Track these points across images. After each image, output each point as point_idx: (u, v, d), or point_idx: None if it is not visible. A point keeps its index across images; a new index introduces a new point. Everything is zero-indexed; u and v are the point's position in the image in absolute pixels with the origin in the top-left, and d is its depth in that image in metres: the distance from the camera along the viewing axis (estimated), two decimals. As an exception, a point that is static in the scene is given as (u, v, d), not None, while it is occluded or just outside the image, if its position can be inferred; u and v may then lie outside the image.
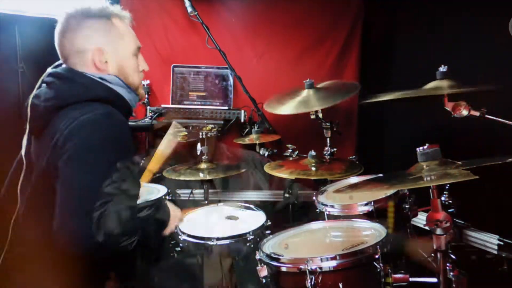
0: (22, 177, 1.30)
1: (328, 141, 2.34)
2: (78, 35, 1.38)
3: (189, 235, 1.80)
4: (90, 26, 1.39)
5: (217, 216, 2.05)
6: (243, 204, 2.15)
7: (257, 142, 2.46)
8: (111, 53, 1.41)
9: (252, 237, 1.79)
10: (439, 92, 1.52)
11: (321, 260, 1.40)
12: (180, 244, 1.81)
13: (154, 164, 1.70)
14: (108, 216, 1.18)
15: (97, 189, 1.19)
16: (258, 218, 1.94)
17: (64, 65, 1.41)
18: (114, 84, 1.40)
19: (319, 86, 2.34)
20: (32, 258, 1.30)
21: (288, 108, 2.31)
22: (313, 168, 2.20)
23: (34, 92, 1.36)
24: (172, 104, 2.84)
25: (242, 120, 2.75)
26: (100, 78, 1.38)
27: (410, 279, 1.45)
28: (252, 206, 2.11)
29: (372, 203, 1.80)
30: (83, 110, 1.26)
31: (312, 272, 1.38)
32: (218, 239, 1.76)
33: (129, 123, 2.68)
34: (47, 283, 1.28)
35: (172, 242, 1.85)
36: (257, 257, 1.52)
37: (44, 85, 1.36)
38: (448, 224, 1.34)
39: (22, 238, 1.32)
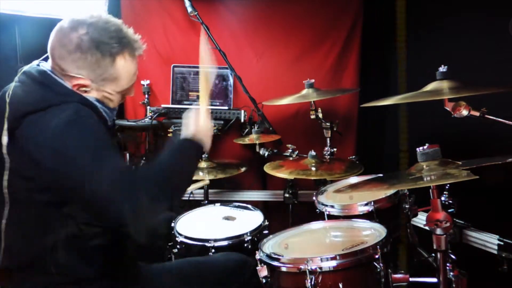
0: (7, 175, 1.24)
1: (328, 141, 2.34)
2: (70, 59, 1.28)
3: (186, 237, 1.80)
4: (87, 61, 1.27)
5: (214, 216, 2.05)
6: (240, 204, 2.15)
7: (257, 142, 2.46)
8: (95, 88, 1.33)
9: (249, 237, 1.79)
10: (439, 97, 1.52)
11: (321, 260, 1.40)
12: (178, 246, 1.81)
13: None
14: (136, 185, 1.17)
15: (105, 166, 1.17)
16: (255, 219, 1.94)
17: (41, 67, 1.33)
18: (92, 99, 1.34)
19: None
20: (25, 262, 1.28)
21: (286, 100, 2.34)
22: (313, 168, 2.20)
23: (6, 89, 1.28)
24: (172, 104, 2.84)
25: (242, 120, 2.75)
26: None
27: (410, 279, 1.45)
28: (249, 206, 2.11)
29: (372, 203, 1.80)
30: (55, 113, 1.21)
31: (312, 272, 1.38)
32: (215, 240, 1.76)
33: (130, 123, 2.71)
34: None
35: (170, 244, 1.85)
36: (257, 257, 1.52)
37: (17, 84, 1.28)
38: (448, 224, 1.34)
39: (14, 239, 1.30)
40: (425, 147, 1.40)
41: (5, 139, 1.23)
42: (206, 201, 2.53)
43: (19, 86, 1.27)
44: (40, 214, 1.25)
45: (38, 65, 1.34)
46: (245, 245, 1.77)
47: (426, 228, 1.38)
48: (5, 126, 1.22)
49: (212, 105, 2.83)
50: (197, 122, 1.43)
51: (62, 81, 1.30)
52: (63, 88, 1.29)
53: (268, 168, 2.28)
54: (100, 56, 1.28)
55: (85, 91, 1.32)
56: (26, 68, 1.32)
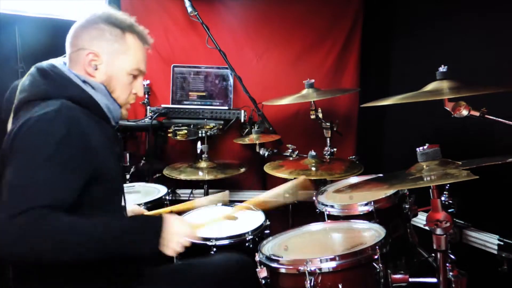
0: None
1: (328, 141, 2.34)
2: (85, 34, 1.37)
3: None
4: (99, 29, 1.37)
5: (216, 216, 2.05)
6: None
7: (257, 142, 2.46)
8: (105, 62, 1.37)
9: (251, 237, 1.78)
10: (439, 97, 1.51)
11: (321, 261, 1.40)
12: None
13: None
14: (31, 225, 1.05)
15: (28, 190, 1.09)
16: (257, 218, 1.94)
17: (52, 61, 1.39)
18: (96, 90, 1.35)
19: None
20: None
21: (286, 100, 2.33)
22: (313, 168, 2.20)
23: (18, 81, 1.35)
24: (172, 104, 2.84)
25: (242, 120, 2.75)
26: (84, 81, 1.34)
27: (410, 279, 1.45)
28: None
29: (372, 203, 1.80)
30: (41, 107, 1.23)
31: (312, 273, 1.38)
32: (217, 239, 1.75)
33: (129, 123, 2.70)
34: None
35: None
36: (257, 258, 1.52)
37: (27, 76, 1.35)
38: (448, 224, 1.34)
39: None
40: (425, 147, 1.40)
41: (9, 126, 1.29)
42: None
43: (27, 78, 1.34)
44: None
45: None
46: (247, 244, 1.77)
47: (426, 228, 1.38)
48: (12, 114, 1.29)
49: (212, 105, 2.83)
50: (178, 228, 1.29)
51: (69, 71, 1.34)
52: (65, 80, 1.32)
53: (268, 168, 2.28)
54: (111, 26, 1.37)
55: (96, 68, 1.36)
56: (38, 63, 1.37)
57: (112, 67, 1.39)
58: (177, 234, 1.27)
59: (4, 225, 1.06)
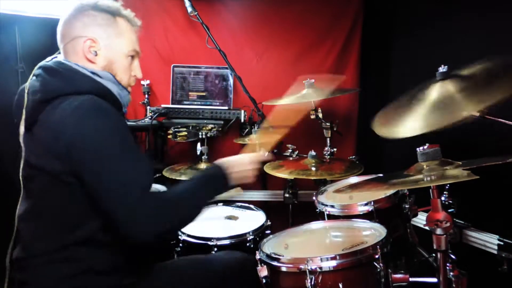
0: (22, 164, 1.30)
1: (328, 141, 2.34)
2: (77, 22, 1.38)
3: (189, 235, 1.81)
4: (91, 16, 1.39)
5: (217, 216, 2.06)
6: (242, 204, 2.16)
7: (257, 142, 2.46)
8: (103, 47, 1.40)
9: (252, 237, 1.79)
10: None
11: (321, 260, 1.40)
12: (180, 244, 1.81)
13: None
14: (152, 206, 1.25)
15: (132, 175, 1.23)
16: (258, 218, 1.95)
17: (56, 59, 1.41)
18: (105, 79, 1.38)
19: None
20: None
21: (286, 100, 2.33)
22: (313, 168, 2.20)
23: (25, 84, 1.37)
24: (172, 104, 2.84)
25: (242, 120, 2.75)
26: (92, 72, 1.37)
27: (410, 279, 1.45)
28: (252, 206, 2.12)
29: (372, 203, 1.80)
30: (71, 102, 1.25)
31: (312, 272, 1.38)
32: (218, 239, 1.76)
33: (130, 123, 2.70)
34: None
35: (172, 242, 1.85)
36: (257, 257, 1.52)
37: (34, 78, 1.36)
38: (448, 224, 1.34)
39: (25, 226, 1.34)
40: (425, 147, 1.40)
41: (22, 129, 1.31)
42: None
43: (35, 80, 1.34)
44: (52, 206, 1.28)
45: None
46: (248, 244, 1.78)
47: (426, 228, 1.38)
48: (23, 117, 1.30)
49: (212, 105, 2.83)
50: (242, 162, 1.55)
51: (76, 65, 1.36)
52: (76, 74, 1.34)
53: (268, 168, 2.28)
54: (101, 12, 1.41)
55: (96, 54, 1.38)
56: (41, 63, 1.38)
57: (111, 51, 1.41)
58: (240, 165, 1.52)
59: (132, 217, 1.21)
